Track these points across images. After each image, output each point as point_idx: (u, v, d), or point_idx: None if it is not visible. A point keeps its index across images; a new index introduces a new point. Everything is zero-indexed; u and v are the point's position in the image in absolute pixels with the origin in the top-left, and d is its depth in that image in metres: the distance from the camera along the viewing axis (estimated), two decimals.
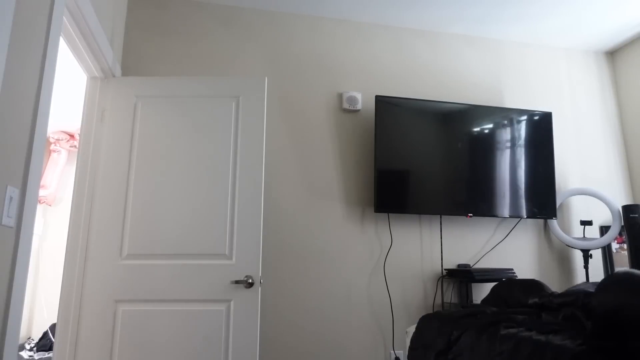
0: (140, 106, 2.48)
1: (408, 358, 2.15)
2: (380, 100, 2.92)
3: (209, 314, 2.25)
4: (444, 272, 2.97)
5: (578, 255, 3.23)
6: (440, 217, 3.04)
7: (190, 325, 2.24)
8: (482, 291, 3.00)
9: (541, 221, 3.23)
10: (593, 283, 2.14)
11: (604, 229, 3.26)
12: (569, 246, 3.13)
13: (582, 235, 3.21)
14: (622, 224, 3.00)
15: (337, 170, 2.96)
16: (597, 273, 3.24)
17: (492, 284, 2.93)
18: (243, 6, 3.07)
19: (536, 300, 1.97)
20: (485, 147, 3.02)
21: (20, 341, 3.69)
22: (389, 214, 2.96)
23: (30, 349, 3.59)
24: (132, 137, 2.44)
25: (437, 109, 3.01)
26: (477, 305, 2.57)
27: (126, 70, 2.80)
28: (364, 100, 3.10)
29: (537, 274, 3.14)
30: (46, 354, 3.52)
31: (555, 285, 3.12)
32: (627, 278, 1.30)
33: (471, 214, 2.91)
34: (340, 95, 3.08)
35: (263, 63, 3.02)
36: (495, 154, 3.03)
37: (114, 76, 2.55)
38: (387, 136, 2.88)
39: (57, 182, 4.13)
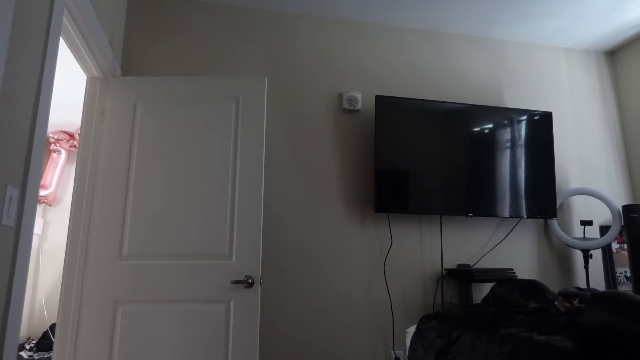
0: (140, 106, 2.48)
1: (408, 358, 2.15)
2: (381, 100, 2.91)
3: (209, 314, 2.25)
4: (444, 272, 2.97)
5: (578, 255, 3.23)
6: (440, 217, 3.04)
7: (190, 325, 2.24)
8: (482, 291, 2.99)
9: (541, 221, 3.22)
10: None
11: (604, 229, 3.26)
12: (569, 246, 3.13)
13: (582, 235, 3.20)
14: (622, 224, 3.00)
15: (337, 170, 2.96)
16: (597, 273, 3.23)
17: (492, 284, 2.93)
18: (243, 6, 3.07)
19: (536, 306, 1.98)
20: (485, 147, 3.02)
21: (20, 341, 3.69)
22: (389, 214, 2.96)
23: (30, 349, 3.58)
24: (132, 137, 2.44)
25: (437, 108, 3.00)
26: (477, 305, 2.57)
27: (126, 70, 2.79)
28: (364, 100, 3.10)
29: (537, 274, 3.13)
30: (46, 354, 3.51)
31: (555, 285, 3.12)
32: (614, 297, 1.35)
33: (471, 214, 2.91)
34: (340, 95, 3.08)
35: (263, 63, 3.02)
36: (495, 153, 3.03)
37: (113, 76, 2.55)
38: (387, 136, 2.88)
39: (57, 182, 4.13)
